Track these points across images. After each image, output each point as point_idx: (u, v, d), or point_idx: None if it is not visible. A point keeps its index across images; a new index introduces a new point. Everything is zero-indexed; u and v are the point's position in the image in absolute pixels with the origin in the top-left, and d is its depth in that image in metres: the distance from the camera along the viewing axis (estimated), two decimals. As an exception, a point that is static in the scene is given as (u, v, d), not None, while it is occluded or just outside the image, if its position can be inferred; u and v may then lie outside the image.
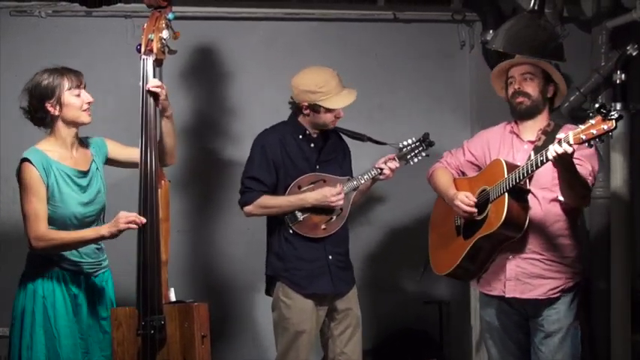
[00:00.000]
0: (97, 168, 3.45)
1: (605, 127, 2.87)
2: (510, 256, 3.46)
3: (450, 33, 5.00)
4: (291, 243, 3.83)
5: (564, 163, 3.09)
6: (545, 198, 3.40)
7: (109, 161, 3.53)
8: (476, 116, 4.98)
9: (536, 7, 3.88)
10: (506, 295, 3.48)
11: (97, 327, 3.39)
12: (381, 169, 3.85)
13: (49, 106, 3.32)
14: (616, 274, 4.38)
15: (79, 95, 3.33)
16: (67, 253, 3.33)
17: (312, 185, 3.81)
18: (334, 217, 3.83)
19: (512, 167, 3.34)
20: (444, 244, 3.69)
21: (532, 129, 3.51)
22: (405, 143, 3.94)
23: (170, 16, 3.38)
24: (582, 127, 2.94)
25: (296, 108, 3.85)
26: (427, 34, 5.01)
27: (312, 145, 3.87)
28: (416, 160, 3.96)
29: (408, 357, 4.89)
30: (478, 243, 3.44)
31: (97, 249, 3.43)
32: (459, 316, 4.91)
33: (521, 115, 3.52)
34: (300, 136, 3.86)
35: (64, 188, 3.32)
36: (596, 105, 2.95)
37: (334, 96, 3.74)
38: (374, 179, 3.89)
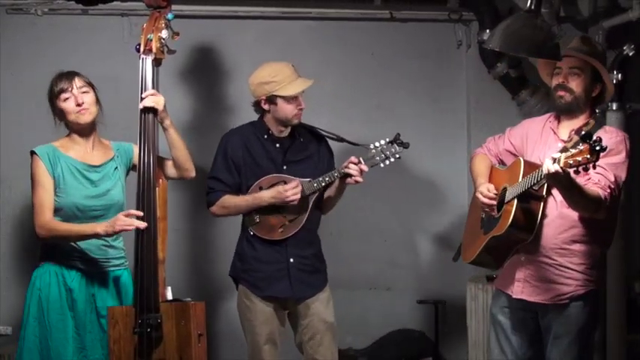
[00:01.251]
0: (116, 168, 3.48)
1: (588, 157, 2.80)
2: (523, 258, 3.40)
3: (446, 32, 5.00)
4: (251, 244, 3.82)
5: (558, 182, 3.02)
6: (564, 202, 3.26)
7: (135, 167, 3.53)
8: (472, 115, 4.99)
9: (532, 7, 3.88)
10: (513, 296, 3.44)
11: (97, 324, 3.40)
12: (343, 172, 3.70)
13: (54, 115, 3.43)
14: (611, 274, 4.38)
15: (67, 99, 3.36)
16: (65, 248, 3.36)
17: (273, 187, 3.75)
18: (287, 222, 3.76)
19: (529, 170, 3.24)
20: (472, 233, 3.65)
21: (569, 128, 3.38)
22: (376, 145, 3.77)
23: (169, 16, 3.40)
24: (573, 151, 2.85)
25: (258, 107, 3.82)
26: (424, 33, 5.00)
27: (278, 145, 3.83)
28: (387, 162, 3.77)
29: (404, 356, 4.90)
30: (492, 241, 3.39)
31: (105, 246, 3.43)
32: (454, 316, 4.92)
33: (560, 110, 3.41)
34: (265, 136, 3.82)
35: (68, 180, 3.36)
36: (582, 133, 2.89)
37: (288, 84, 3.70)
38: (341, 180, 3.74)
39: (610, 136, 3.25)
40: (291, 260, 3.80)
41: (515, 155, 3.54)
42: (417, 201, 4.99)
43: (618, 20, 4.43)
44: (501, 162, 3.63)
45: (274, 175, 3.79)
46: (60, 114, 3.41)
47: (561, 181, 2.98)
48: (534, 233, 3.29)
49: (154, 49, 3.34)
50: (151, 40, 3.34)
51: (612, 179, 3.21)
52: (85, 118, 3.38)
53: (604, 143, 2.79)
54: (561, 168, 2.88)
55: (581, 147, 2.83)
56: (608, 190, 3.19)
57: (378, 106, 4.97)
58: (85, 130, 3.43)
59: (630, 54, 4.20)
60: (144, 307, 3.22)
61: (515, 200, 3.25)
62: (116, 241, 3.46)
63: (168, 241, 3.39)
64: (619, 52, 4.27)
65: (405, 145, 3.77)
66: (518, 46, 3.57)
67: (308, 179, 3.77)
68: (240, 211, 3.82)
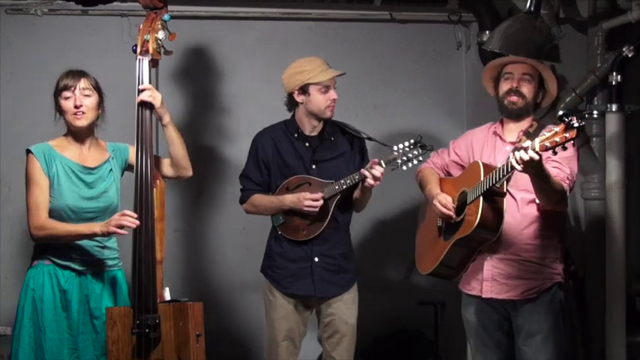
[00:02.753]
0: (111, 169, 3.47)
1: (567, 135, 2.86)
2: (488, 257, 3.47)
3: (446, 34, 5.00)
4: (279, 241, 3.85)
5: (533, 170, 3.07)
6: (524, 199, 3.40)
7: (130, 167, 3.53)
8: (471, 117, 4.98)
9: (532, 8, 3.89)
10: (483, 296, 3.51)
11: (89, 325, 3.39)
12: (364, 175, 3.66)
13: (55, 110, 3.40)
14: (611, 274, 4.39)
15: (67, 98, 3.34)
16: (59, 248, 3.34)
17: (299, 187, 3.77)
18: (309, 224, 3.77)
19: (488, 170, 3.32)
20: (427, 244, 3.70)
21: (515, 131, 3.50)
22: (399, 146, 3.71)
23: (166, 17, 3.41)
24: (547, 134, 2.91)
25: (291, 103, 3.83)
26: (423, 34, 5.01)
27: (307, 144, 3.84)
28: (410, 164, 3.70)
29: (403, 357, 4.90)
30: (456, 244, 3.44)
31: (100, 247, 3.42)
32: (454, 317, 4.90)
33: (510, 114, 3.50)
34: (295, 135, 3.84)
35: (63, 181, 3.35)
36: (560, 113, 2.95)
37: (320, 72, 3.73)
38: (363, 183, 3.70)
39: None
40: (316, 259, 3.81)
41: (462, 166, 3.64)
42: (416, 201, 4.98)
43: (617, 21, 4.44)
44: (448, 174, 3.72)
45: (301, 175, 3.81)
46: (60, 110, 3.39)
47: (535, 167, 3.04)
48: (499, 232, 3.36)
49: (150, 50, 3.36)
50: (148, 41, 3.36)
51: (568, 172, 3.33)
52: (80, 122, 3.36)
53: (576, 124, 2.85)
54: (537, 152, 2.94)
55: (556, 128, 2.90)
56: (567, 182, 3.31)
57: (376, 106, 4.98)
58: (81, 134, 3.41)
59: (629, 55, 4.22)
60: (142, 307, 3.22)
61: (481, 200, 3.30)
62: (109, 241, 3.45)
63: (166, 242, 3.39)
64: (618, 53, 4.28)
65: (428, 148, 3.72)
66: (517, 47, 3.59)
67: (331, 181, 3.77)
68: (267, 210, 3.85)
